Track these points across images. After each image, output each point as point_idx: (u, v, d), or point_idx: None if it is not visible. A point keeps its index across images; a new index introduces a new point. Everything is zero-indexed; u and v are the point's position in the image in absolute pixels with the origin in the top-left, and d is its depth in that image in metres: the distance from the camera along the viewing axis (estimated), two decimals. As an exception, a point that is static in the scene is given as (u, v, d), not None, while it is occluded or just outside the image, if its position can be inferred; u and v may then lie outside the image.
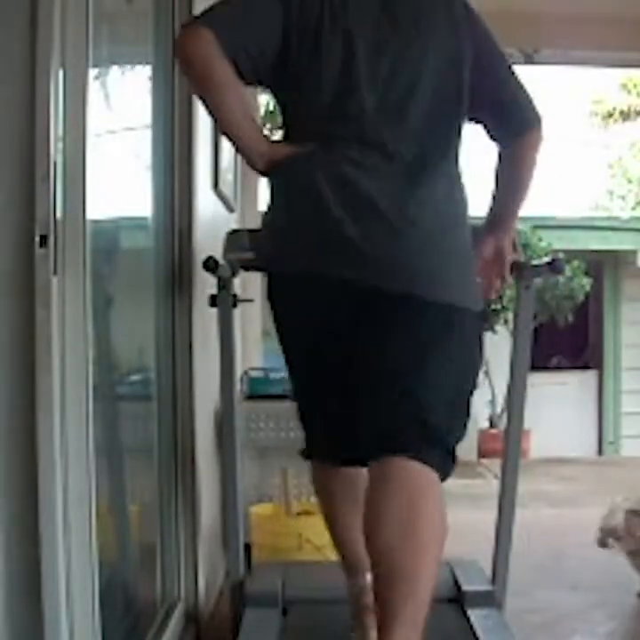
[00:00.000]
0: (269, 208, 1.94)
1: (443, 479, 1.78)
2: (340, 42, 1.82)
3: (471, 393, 1.89)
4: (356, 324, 1.85)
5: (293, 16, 1.81)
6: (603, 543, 2.88)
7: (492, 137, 2.01)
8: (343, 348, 1.87)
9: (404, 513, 1.70)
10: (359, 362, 1.86)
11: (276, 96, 1.97)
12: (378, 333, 1.83)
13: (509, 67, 1.97)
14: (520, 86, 1.96)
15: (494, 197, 2.06)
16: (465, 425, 1.88)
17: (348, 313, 1.84)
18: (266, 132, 5.33)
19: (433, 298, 1.81)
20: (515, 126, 1.97)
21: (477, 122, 1.98)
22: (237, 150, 1.96)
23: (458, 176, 1.93)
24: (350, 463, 2.03)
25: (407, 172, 1.83)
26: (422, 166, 1.84)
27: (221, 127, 1.97)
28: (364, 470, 1.85)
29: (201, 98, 1.86)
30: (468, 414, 1.88)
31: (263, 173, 1.91)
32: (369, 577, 1.95)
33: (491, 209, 2.06)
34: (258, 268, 2.09)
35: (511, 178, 2.03)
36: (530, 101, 1.97)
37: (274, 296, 1.96)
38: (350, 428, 1.87)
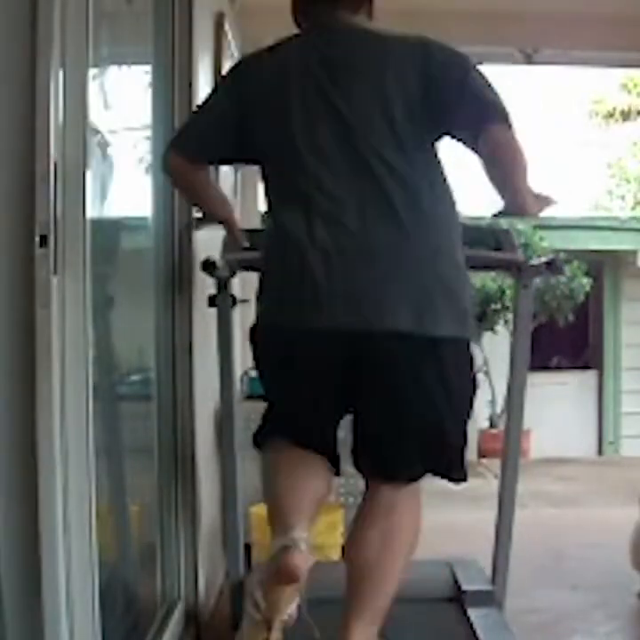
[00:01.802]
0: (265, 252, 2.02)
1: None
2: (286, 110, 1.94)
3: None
4: (352, 368, 1.89)
5: (251, 98, 1.99)
6: None
7: (466, 145, 1.96)
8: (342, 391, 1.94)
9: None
10: (366, 404, 1.94)
11: (261, 170, 2.06)
12: (376, 376, 1.89)
13: (478, 81, 1.92)
14: (486, 90, 1.91)
15: (499, 193, 1.93)
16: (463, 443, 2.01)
17: (341, 359, 1.89)
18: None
19: (421, 332, 1.85)
20: (477, 123, 1.90)
21: (458, 139, 1.97)
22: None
23: (443, 197, 1.95)
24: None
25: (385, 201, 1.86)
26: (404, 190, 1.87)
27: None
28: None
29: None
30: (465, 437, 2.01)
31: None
32: (298, 533, 1.86)
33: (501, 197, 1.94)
34: (256, 269, 2.09)
35: (500, 172, 1.91)
36: (493, 101, 1.91)
37: (264, 346, 2.00)
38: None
